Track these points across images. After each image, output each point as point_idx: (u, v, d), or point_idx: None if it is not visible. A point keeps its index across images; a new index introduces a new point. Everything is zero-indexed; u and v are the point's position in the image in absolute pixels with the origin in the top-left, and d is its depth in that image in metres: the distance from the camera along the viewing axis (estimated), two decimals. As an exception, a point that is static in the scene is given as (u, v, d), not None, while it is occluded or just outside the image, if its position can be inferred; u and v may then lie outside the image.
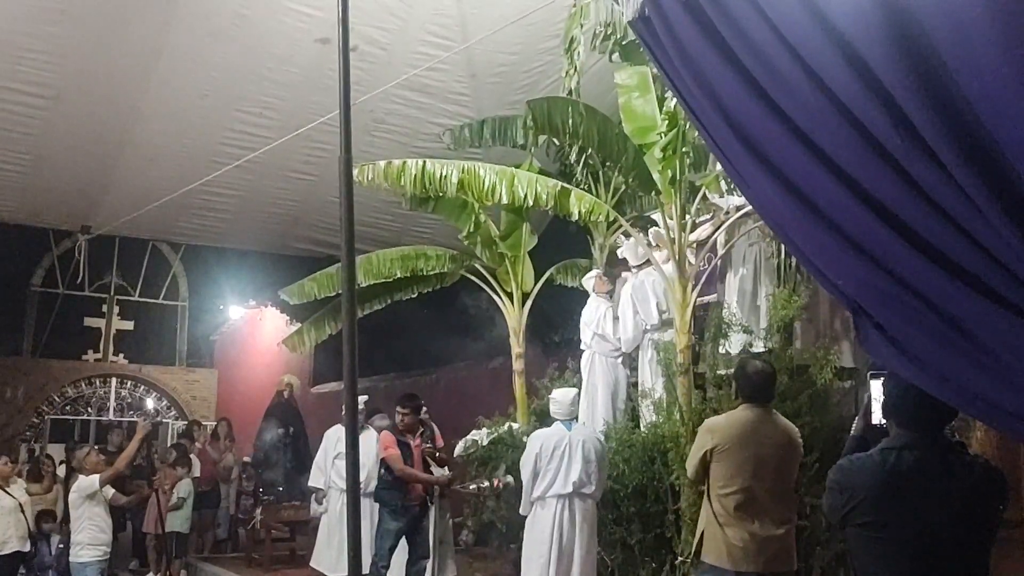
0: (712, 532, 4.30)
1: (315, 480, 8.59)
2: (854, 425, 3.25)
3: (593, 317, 7.46)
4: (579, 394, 6.79)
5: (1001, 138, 1.59)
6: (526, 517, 6.25)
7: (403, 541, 7.18)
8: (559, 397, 6.36)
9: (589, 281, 7.76)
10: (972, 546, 2.61)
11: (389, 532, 7.02)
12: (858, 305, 2.00)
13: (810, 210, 1.92)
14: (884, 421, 2.81)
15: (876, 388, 3.04)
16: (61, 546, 9.05)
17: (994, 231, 1.60)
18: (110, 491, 7.71)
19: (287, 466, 11.05)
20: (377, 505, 7.35)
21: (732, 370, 5.46)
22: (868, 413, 3.08)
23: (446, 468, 7.41)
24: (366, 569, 6.59)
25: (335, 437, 8.38)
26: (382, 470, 7.18)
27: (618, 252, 7.76)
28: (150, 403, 16.88)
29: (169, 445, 12.31)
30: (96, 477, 7.54)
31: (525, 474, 6.15)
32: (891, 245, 1.79)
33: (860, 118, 1.77)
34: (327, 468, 8.41)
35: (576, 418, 6.43)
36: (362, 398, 8.33)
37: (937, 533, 2.57)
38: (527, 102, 6.33)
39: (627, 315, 7.24)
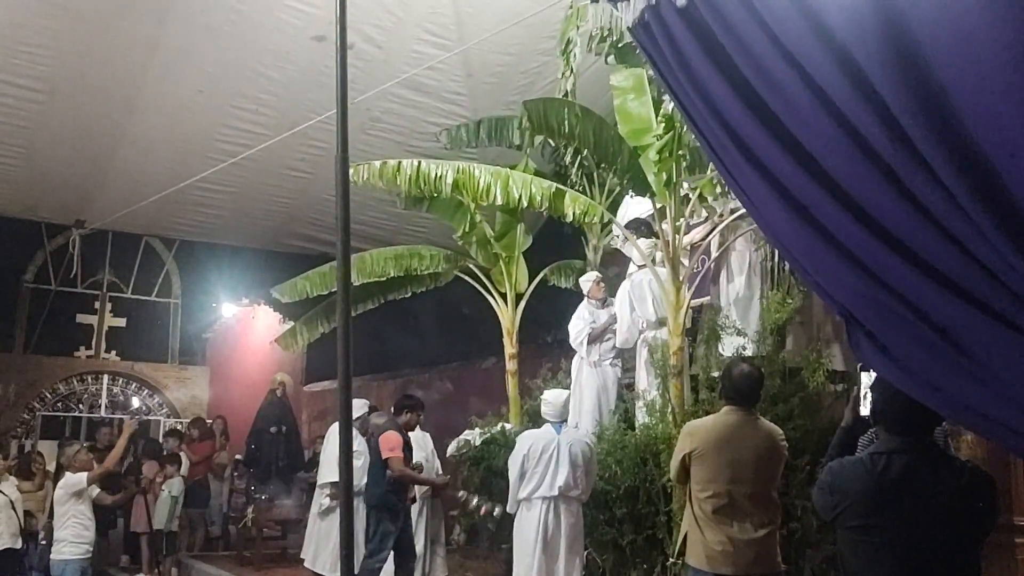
0: (693, 535, 4.31)
1: (329, 475, 8.29)
2: (844, 416, 3.28)
3: (576, 330, 7.49)
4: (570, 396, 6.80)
5: (992, 149, 1.60)
6: (514, 515, 6.27)
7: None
8: (551, 398, 6.36)
9: (586, 283, 7.72)
10: (961, 550, 2.62)
11: (390, 534, 6.82)
12: (849, 313, 2.01)
13: (803, 217, 1.93)
14: (875, 425, 2.83)
15: (866, 381, 3.09)
16: (44, 543, 9.00)
17: (986, 242, 1.61)
18: (95, 490, 7.67)
19: (279, 465, 11.02)
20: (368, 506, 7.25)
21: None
22: (857, 404, 3.12)
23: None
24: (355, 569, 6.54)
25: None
26: (389, 472, 6.84)
27: (623, 247, 7.74)
28: (137, 401, 16.84)
29: (144, 443, 12.19)
30: (84, 475, 7.51)
31: (512, 474, 6.16)
32: (883, 254, 1.80)
33: (856, 128, 1.78)
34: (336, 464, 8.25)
35: (566, 420, 6.43)
36: (364, 402, 8.27)
37: (925, 537, 2.59)
38: (523, 103, 6.33)
39: (624, 313, 7.24)
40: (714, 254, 6.79)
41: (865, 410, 3.08)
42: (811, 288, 2.39)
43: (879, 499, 2.64)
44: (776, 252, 6.46)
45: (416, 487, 7.46)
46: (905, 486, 2.62)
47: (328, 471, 8.38)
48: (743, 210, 6.11)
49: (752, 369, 4.47)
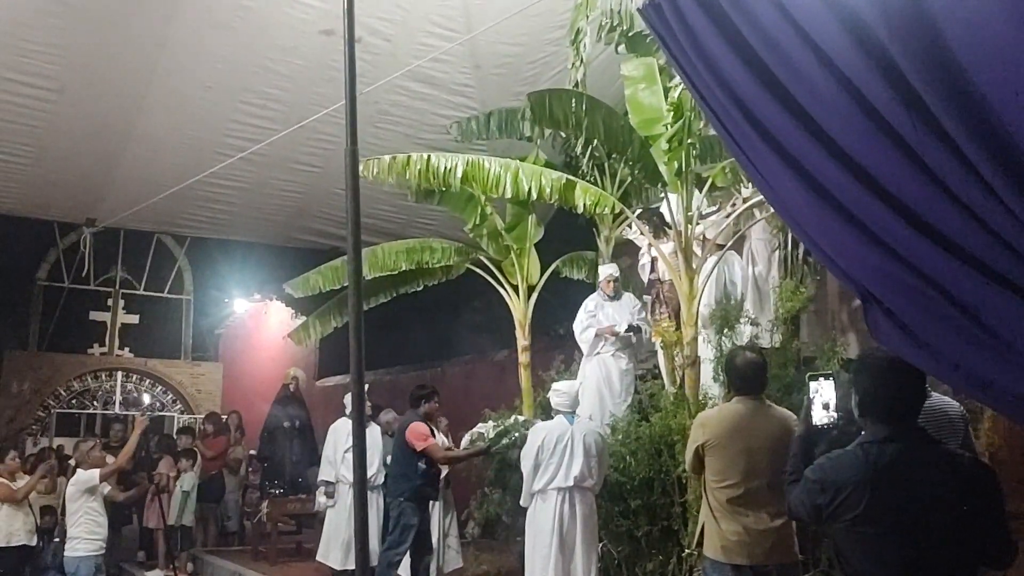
0: (709, 525, 4.31)
1: (325, 474, 8.53)
2: (798, 428, 3.27)
3: (577, 321, 7.49)
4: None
5: (1017, 126, 1.56)
6: (527, 509, 6.25)
7: None
8: (564, 388, 6.33)
9: (601, 275, 7.70)
10: (961, 535, 2.58)
11: (411, 527, 6.85)
12: (868, 292, 1.98)
13: (821, 197, 1.90)
14: (860, 418, 2.79)
15: (814, 389, 3.07)
16: (58, 539, 9.02)
17: (1010, 219, 1.58)
18: (107, 487, 7.68)
19: (293, 459, 11.06)
20: (383, 499, 7.24)
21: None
22: (809, 415, 3.10)
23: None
24: (372, 562, 6.55)
25: (344, 431, 8.23)
26: (422, 464, 6.93)
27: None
28: (148, 398, 16.90)
29: (158, 439, 12.24)
30: (96, 472, 7.51)
31: (526, 466, 6.13)
32: (905, 233, 1.77)
33: (875, 107, 1.75)
34: (337, 462, 8.37)
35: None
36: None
37: (924, 524, 2.56)
38: (527, 95, 6.29)
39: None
40: (728, 243, 6.74)
41: (816, 418, 3.06)
42: (828, 268, 2.35)
43: (875, 488, 2.61)
44: (790, 239, 6.41)
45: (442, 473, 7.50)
46: (900, 472, 2.61)
47: (325, 469, 8.49)
48: (757, 198, 6.08)
49: (754, 356, 4.47)
